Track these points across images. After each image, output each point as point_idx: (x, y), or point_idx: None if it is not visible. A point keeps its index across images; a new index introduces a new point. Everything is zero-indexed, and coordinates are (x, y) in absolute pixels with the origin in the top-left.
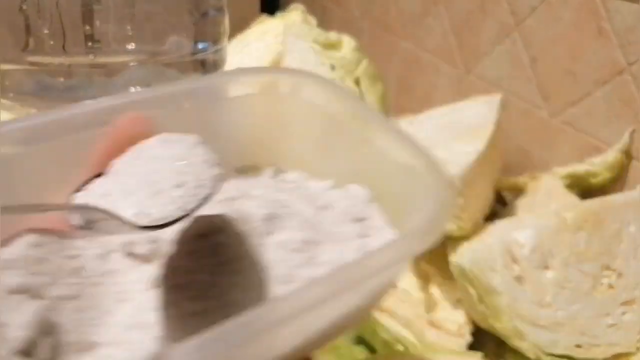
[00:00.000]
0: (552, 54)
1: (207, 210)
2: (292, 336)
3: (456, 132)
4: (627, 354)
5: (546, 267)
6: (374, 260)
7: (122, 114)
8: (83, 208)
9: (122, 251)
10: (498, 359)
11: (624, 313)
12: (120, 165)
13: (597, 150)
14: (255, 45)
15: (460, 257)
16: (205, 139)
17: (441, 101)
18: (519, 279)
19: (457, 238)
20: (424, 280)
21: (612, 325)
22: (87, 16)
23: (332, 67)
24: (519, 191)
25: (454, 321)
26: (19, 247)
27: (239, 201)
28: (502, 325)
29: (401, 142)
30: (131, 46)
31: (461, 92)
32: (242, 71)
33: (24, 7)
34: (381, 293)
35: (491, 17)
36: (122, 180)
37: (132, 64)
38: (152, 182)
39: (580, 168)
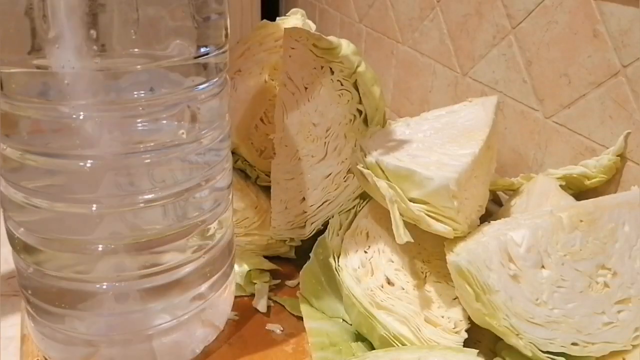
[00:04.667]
0: (547, 56)
1: None
2: None
3: (452, 134)
4: (623, 352)
5: (542, 266)
6: None
7: None
8: None
9: None
10: (494, 356)
11: (619, 311)
12: None
13: (592, 152)
14: (256, 49)
15: (457, 256)
16: None
17: (438, 103)
18: (515, 277)
19: (454, 238)
20: (421, 278)
21: (607, 324)
22: (92, 21)
23: (331, 71)
24: (514, 191)
25: (451, 318)
26: None
27: None
28: (498, 323)
29: None
30: (135, 50)
31: (457, 94)
32: None
33: (30, 10)
34: None
35: (487, 20)
36: None
37: (136, 67)
38: None
39: (575, 170)
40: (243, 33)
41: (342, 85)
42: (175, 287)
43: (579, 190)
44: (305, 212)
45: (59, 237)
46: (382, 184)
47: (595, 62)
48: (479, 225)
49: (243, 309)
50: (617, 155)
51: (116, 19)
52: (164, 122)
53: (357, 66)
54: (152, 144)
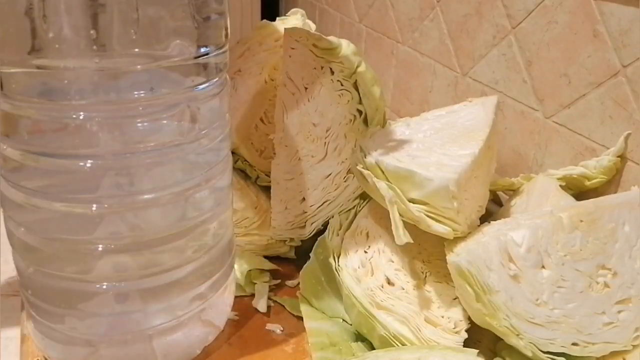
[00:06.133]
0: (547, 56)
1: None
2: None
3: (452, 135)
4: (623, 352)
5: (542, 266)
6: None
7: None
8: None
9: None
10: (494, 356)
11: (619, 311)
12: None
13: (592, 152)
14: (255, 49)
15: (457, 256)
16: None
17: (438, 103)
18: (515, 277)
19: (454, 238)
20: (421, 278)
21: (608, 324)
22: (92, 20)
23: (331, 71)
24: (514, 191)
25: (451, 318)
26: None
27: None
28: (498, 323)
29: None
30: (135, 50)
31: (457, 94)
32: None
33: (30, 11)
34: None
35: (487, 20)
36: None
37: (136, 67)
38: None
39: (575, 171)
40: (243, 33)
41: (342, 85)
42: (175, 287)
43: (579, 191)
44: (305, 212)
45: (59, 237)
46: (381, 185)
47: (595, 62)
48: (479, 226)
49: (243, 309)
50: (617, 156)
51: (116, 19)
52: (164, 122)
53: (357, 66)
54: (152, 144)
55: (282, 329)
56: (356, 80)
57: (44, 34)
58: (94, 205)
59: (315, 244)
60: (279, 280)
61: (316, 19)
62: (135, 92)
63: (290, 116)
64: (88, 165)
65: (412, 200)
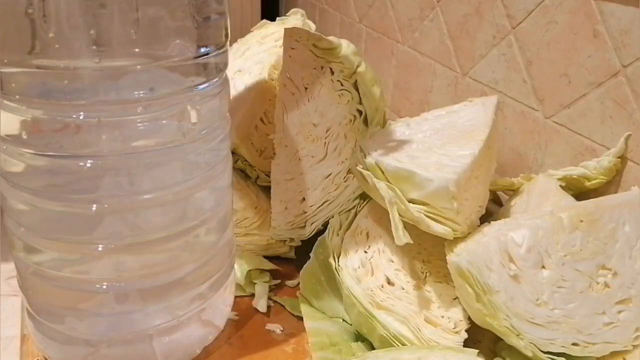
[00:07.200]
0: (547, 56)
1: None
2: None
3: (452, 135)
4: (623, 352)
5: (542, 267)
6: None
7: None
8: None
9: None
10: (494, 356)
11: (619, 312)
12: None
13: (592, 152)
14: (256, 49)
15: (458, 256)
16: None
17: (438, 103)
18: (515, 277)
19: (454, 239)
20: (421, 278)
21: (608, 324)
22: (92, 20)
23: (331, 71)
24: (514, 191)
25: (451, 318)
26: None
27: None
28: (499, 324)
29: None
30: (135, 50)
31: (457, 94)
32: None
33: (30, 11)
34: None
35: (487, 20)
36: None
37: (136, 67)
38: None
39: (575, 171)
40: (243, 33)
41: (342, 85)
42: (175, 287)
43: (579, 191)
44: (305, 212)
45: (59, 237)
46: (381, 185)
47: (595, 62)
48: (479, 226)
49: (243, 309)
50: (618, 157)
51: (116, 19)
52: (164, 122)
53: (357, 66)
54: (152, 144)
55: (282, 329)
56: (356, 80)
57: (44, 34)
58: (94, 205)
59: (315, 244)
60: (279, 280)
61: (316, 19)
62: (135, 92)
63: (290, 116)
64: (88, 165)
65: (411, 201)
